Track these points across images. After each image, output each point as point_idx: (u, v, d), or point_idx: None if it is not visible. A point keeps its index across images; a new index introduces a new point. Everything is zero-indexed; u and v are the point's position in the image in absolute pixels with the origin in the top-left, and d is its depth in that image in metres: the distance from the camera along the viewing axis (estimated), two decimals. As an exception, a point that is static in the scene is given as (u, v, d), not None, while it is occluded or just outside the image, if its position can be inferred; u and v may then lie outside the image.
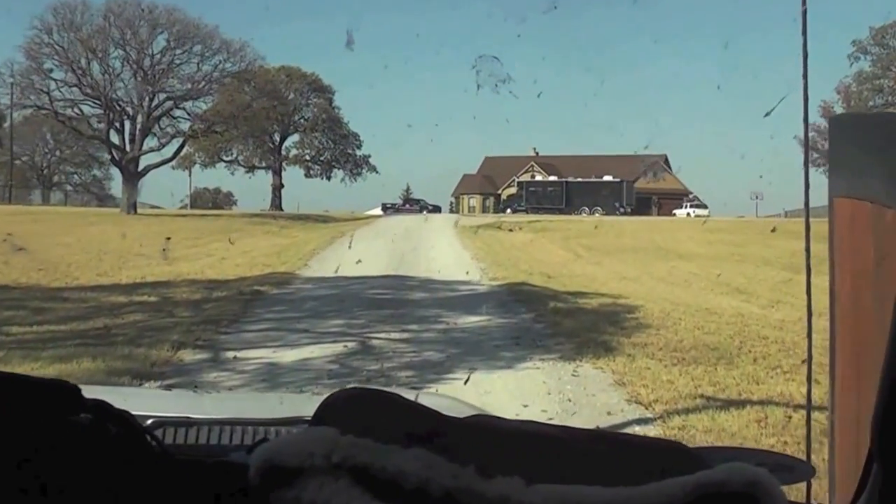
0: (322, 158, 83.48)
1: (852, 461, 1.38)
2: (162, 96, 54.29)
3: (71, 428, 1.12)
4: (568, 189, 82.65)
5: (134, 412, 1.21)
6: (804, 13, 1.95)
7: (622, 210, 76.50)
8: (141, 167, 54.38)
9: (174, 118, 55.29)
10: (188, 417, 1.84)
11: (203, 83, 54.76)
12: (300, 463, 1.03)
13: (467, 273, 21.18)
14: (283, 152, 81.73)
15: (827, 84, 57.72)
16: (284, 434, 1.47)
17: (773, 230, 41.33)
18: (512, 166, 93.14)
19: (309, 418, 1.18)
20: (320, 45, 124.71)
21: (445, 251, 28.88)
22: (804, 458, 1.72)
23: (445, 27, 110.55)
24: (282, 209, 73.55)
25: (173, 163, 70.18)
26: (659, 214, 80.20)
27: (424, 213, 74.22)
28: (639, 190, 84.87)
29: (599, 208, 77.79)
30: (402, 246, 29.42)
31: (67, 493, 1.06)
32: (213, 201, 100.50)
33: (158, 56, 53.72)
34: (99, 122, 53.34)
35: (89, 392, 1.16)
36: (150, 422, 1.63)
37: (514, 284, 19.14)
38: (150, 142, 54.85)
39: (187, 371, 9.60)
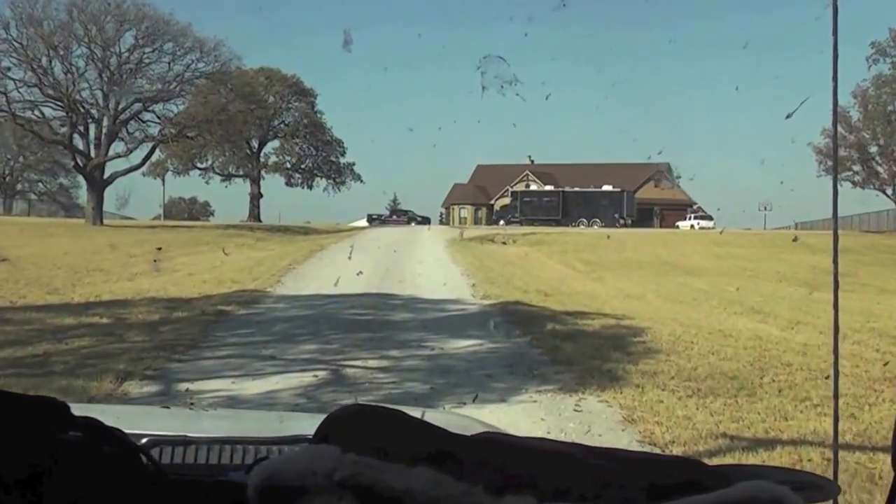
0: (303, 166, 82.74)
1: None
2: (130, 98, 53.33)
3: (61, 447, 1.13)
4: (565, 199, 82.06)
5: (127, 430, 1.26)
6: (835, 9, 1.90)
7: (622, 222, 75.96)
8: (107, 174, 53.51)
9: (143, 122, 54.41)
10: (185, 436, 1.84)
11: (174, 84, 53.95)
12: (301, 482, 1.06)
13: (444, 284, 20.44)
14: (262, 159, 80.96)
15: (843, 87, 57.24)
16: (285, 452, 1.63)
17: (795, 240, 40.93)
18: (506, 175, 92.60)
19: (310, 437, 1.24)
20: (302, 44, 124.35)
21: (433, 266, 28.15)
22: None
23: (449, 30, 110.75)
24: (260, 220, 72.78)
25: (144, 170, 69.38)
26: (661, 226, 79.71)
27: (413, 224, 73.64)
28: (640, 200, 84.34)
29: (598, 220, 77.28)
30: (387, 260, 28.68)
31: None
32: (188, 212, 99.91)
33: (126, 54, 52.88)
34: (62, 125, 52.30)
35: (79, 410, 1.19)
36: (144, 440, 1.67)
37: (507, 303, 18.40)
38: (118, 147, 54.02)
39: (131, 406, 8.79)
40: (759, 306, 19.77)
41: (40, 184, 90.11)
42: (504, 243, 43.08)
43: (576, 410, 9.10)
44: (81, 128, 52.76)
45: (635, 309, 18.53)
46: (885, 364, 12.29)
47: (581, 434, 8.14)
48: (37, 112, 52.16)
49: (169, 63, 53.83)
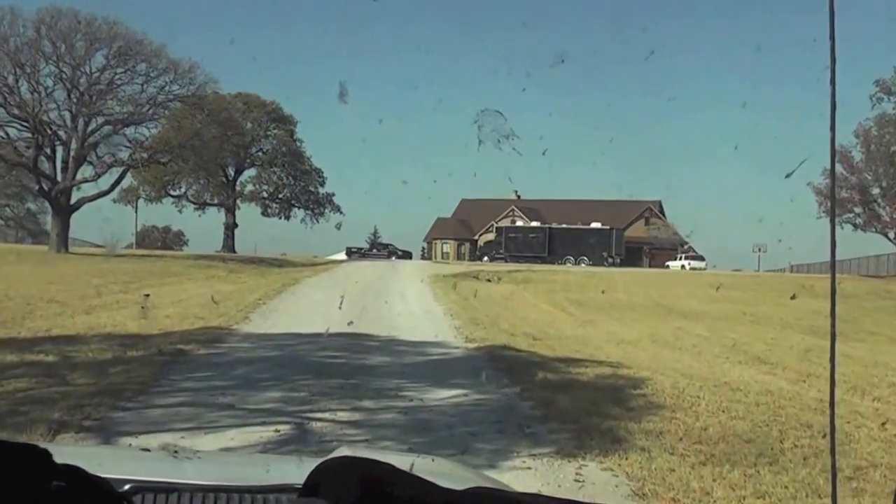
0: (281, 196, 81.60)
1: None
2: (100, 120, 52.38)
3: (43, 497, 1.13)
4: (551, 236, 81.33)
5: (109, 476, 1.33)
6: (832, 68, 1.90)
7: (611, 261, 75.25)
8: (74, 199, 52.31)
9: (113, 145, 53.19)
10: (168, 483, 1.85)
11: (147, 107, 52.94)
12: None
13: (426, 325, 19.46)
14: (238, 188, 79.81)
15: (845, 127, 56.70)
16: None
17: (794, 297, 40.07)
18: (490, 210, 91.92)
19: (298, 486, 1.32)
20: (281, 71, 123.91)
21: (414, 304, 27.17)
22: None
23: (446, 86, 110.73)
24: (234, 250, 71.67)
25: (115, 196, 68.34)
26: (650, 266, 79.06)
27: (393, 258, 72.84)
28: (628, 239, 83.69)
29: (586, 258, 76.62)
30: (364, 297, 27.68)
31: None
32: (162, 240, 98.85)
33: (96, 74, 51.82)
34: (27, 146, 50.97)
35: (60, 455, 1.20)
36: (126, 487, 1.70)
37: (494, 348, 17.39)
38: (86, 171, 52.85)
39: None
40: (765, 355, 18.86)
41: (7, 209, 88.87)
42: (489, 281, 42.22)
43: (577, 480, 8.09)
44: (48, 150, 51.65)
45: (631, 356, 17.59)
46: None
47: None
48: (1, 132, 51.03)
49: (142, 85, 52.99)
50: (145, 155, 53.38)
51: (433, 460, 3.48)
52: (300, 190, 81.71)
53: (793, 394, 14.02)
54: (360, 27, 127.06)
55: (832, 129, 1.95)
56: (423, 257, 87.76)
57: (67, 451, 1.75)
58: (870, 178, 59.07)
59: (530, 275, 47.22)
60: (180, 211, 77.77)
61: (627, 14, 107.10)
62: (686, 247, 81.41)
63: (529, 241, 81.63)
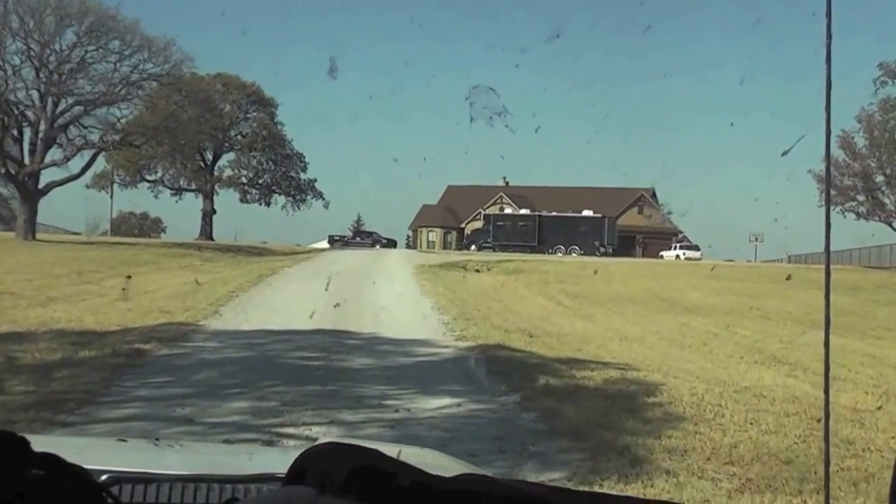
0: (261, 181, 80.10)
1: None
2: (70, 100, 50.75)
3: (20, 485, 1.14)
4: (541, 224, 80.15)
5: (88, 466, 1.28)
6: (828, 46, 1.94)
7: (603, 250, 74.14)
8: (43, 184, 50.77)
9: (84, 127, 51.55)
10: (148, 473, 1.84)
11: (120, 86, 51.36)
12: None
13: (412, 319, 18.21)
14: (216, 173, 78.21)
15: (847, 112, 55.43)
16: (255, 493, 1.71)
17: (788, 278, 39.08)
18: (478, 197, 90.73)
19: (282, 475, 1.24)
20: (262, 51, 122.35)
21: (399, 297, 25.93)
22: None
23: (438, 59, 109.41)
24: (212, 238, 70.25)
25: (88, 181, 66.89)
26: (644, 255, 78.05)
27: (377, 247, 71.79)
28: (621, 227, 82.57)
29: (577, 247, 75.53)
30: (346, 288, 26.41)
31: None
32: (139, 227, 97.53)
33: (67, 52, 50.12)
34: (-8, 127, 49.41)
35: (38, 444, 1.20)
36: (105, 477, 1.70)
37: (487, 347, 16.15)
38: (55, 154, 51.32)
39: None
40: (783, 355, 17.69)
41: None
42: (478, 271, 41.03)
43: (597, 519, 6.86)
44: (14, 131, 50.03)
45: (638, 356, 16.41)
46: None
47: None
48: (-36, 112, 49.37)
49: (114, 63, 51.31)
50: (117, 137, 51.79)
51: (421, 449, 3.50)
52: (281, 175, 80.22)
53: (820, 400, 12.82)
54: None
55: (827, 122, 1.98)
56: (408, 246, 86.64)
57: (46, 440, 1.77)
58: (873, 165, 57.74)
59: (521, 265, 46.02)
60: (156, 196, 76.42)
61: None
62: (681, 236, 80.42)
63: (518, 230, 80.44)
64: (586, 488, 7.84)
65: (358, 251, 59.76)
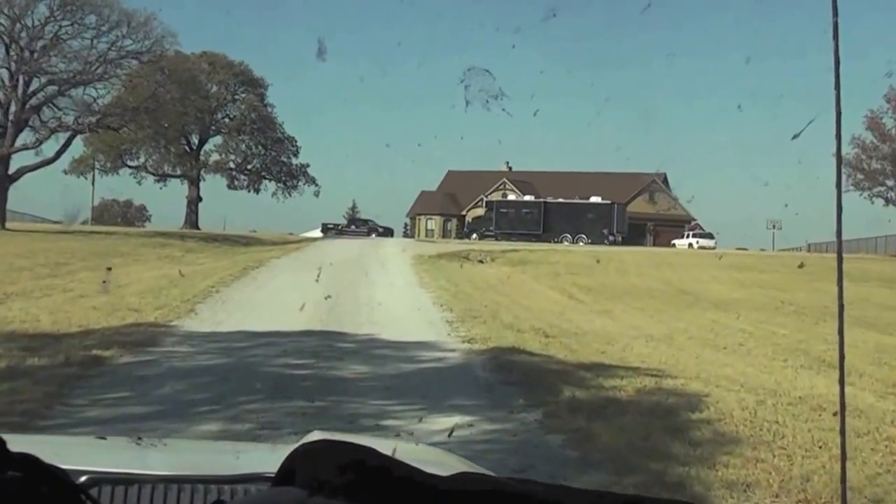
0: (250, 167, 78.57)
1: None
2: (43, 79, 49.39)
3: None
4: (547, 211, 78.79)
5: (67, 467, 1.27)
6: (835, 24, 1.95)
7: (612, 238, 72.78)
8: (13, 169, 49.40)
9: (58, 108, 50.15)
10: (129, 473, 1.84)
11: (97, 65, 49.96)
12: None
13: (413, 317, 16.82)
14: (203, 157, 76.69)
15: (871, 93, 54.01)
16: (242, 494, 1.69)
17: (801, 266, 37.79)
18: (479, 183, 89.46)
19: (271, 475, 1.22)
20: (251, 30, 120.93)
21: (397, 291, 24.57)
22: None
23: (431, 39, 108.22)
24: (198, 227, 68.84)
25: (66, 167, 65.37)
26: (655, 244, 76.76)
27: (373, 236, 70.69)
28: (631, 215, 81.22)
29: (584, 235, 74.23)
30: (339, 282, 25.04)
31: None
32: (122, 216, 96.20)
33: (39, 27, 48.71)
34: (-41, 109, 48.03)
35: (15, 443, 1.16)
36: (84, 478, 1.69)
37: (499, 351, 14.76)
38: (27, 137, 50.04)
39: None
40: (831, 357, 16.28)
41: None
42: (481, 262, 39.71)
43: None
44: (-17, 113, 48.68)
45: (669, 359, 15.09)
46: None
47: None
48: (-71, 92, 48.08)
49: (91, 39, 49.97)
50: (94, 119, 50.33)
51: (417, 445, 3.71)
52: (271, 160, 78.65)
53: (892, 414, 11.50)
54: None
55: (837, 101, 1.98)
56: (405, 234, 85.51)
57: (23, 440, 1.73)
58: (905, 146, 56.34)
59: (528, 255, 44.67)
60: (139, 183, 74.83)
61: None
62: (693, 223, 79.03)
63: (522, 217, 79.09)
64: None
65: (353, 240, 58.52)
